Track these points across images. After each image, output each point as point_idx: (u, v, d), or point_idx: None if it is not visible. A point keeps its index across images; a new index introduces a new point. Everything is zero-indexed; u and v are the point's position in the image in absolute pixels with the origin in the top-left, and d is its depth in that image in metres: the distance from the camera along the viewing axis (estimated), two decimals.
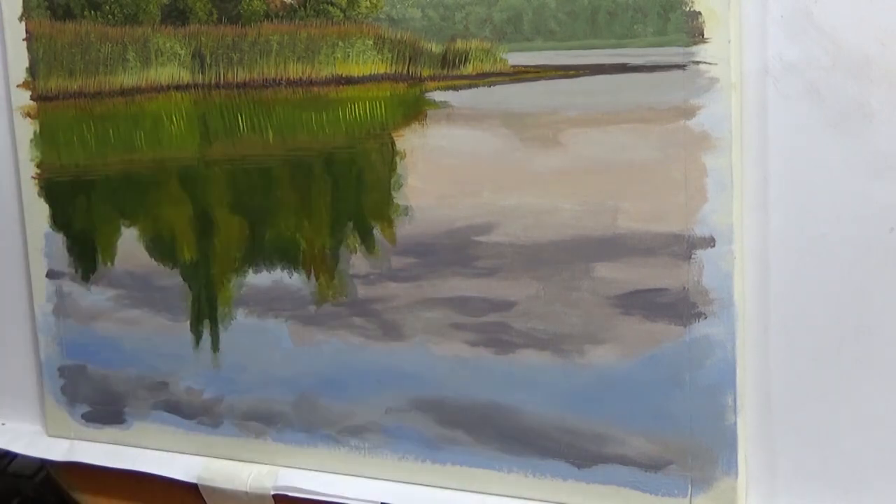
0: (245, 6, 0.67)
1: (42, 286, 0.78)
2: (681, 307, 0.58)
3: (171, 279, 0.73)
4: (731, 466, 0.59)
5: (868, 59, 0.54)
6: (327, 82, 0.65)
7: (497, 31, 0.60)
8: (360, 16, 0.64)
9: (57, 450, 0.80)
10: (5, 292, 0.81)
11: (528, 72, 0.60)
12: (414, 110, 0.63)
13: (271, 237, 0.69)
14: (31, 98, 0.75)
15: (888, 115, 0.54)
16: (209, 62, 0.69)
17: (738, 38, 0.55)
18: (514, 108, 0.60)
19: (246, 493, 0.72)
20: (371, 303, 0.67)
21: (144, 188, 0.73)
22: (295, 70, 0.66)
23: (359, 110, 0.65)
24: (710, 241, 0.57)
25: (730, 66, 0.55)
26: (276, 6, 0.66)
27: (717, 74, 0.55)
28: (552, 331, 0.62)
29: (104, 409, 0.78)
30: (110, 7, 0.71)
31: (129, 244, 0.74)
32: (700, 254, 0.57)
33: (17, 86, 0.76)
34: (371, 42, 0.64)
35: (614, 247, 0.59)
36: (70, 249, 0.77)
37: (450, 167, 0.63)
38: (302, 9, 0.65)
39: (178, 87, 0.70)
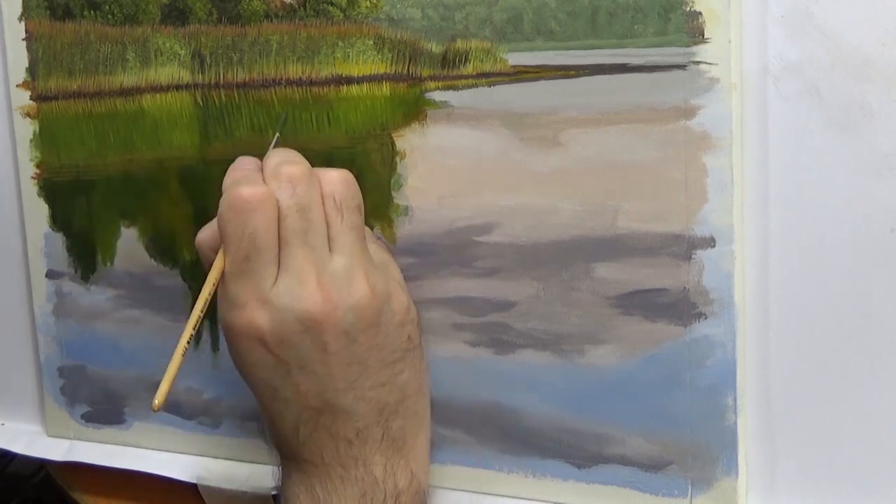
0: (245, 6, 0.67)
1: (41, 286, 0.78)
2: (681, 307, 0.58)
3: (171, 279, 0.73)
4: (731, 466, 0.59)
5: (868, 59, 0.54)
6: (327, 82, 0.65)
7: (497, 31, 0.60)
8: (359, 16, 0.64)
9: (56, 450, 0.80)
10: (4, 292, 0.81)
11: (528, 72, 0.60)
12: (414, 110, 0.63)
13: None
14: (31, 98, 0.75)
15: (888, 115, 0.54)
16: (209, 62, 0.69)
17: (739, 38, 0.55)
18: (514, 108, 0.60)
19: (245, 492, 0.72)
20: None
21: (144, 188, 0.73)
22: (295, 70, 0.66)
23: (359, 110, 0.65)
24: (710, 241, 0.57)
25: (730, 66, 0.55)
26: (275, 6, 0.66)
27: (717, 74, 0.55)
28: (552, 331, 0.62)
29: (104, 409, 0.78)
30: (110, 7, 0.71)
31: (129, 244, 0.74)
32: (700, 254, 0.57)
33: (17, 86, 0.76)
34: (371, 42, 0.64)
35: (614, 247, 0.59)
36: (69, 249, 0.77)
37: (450, 167, 0.63)
38: (302, 9, 0.65)
39: (177, 87, 0.70)
